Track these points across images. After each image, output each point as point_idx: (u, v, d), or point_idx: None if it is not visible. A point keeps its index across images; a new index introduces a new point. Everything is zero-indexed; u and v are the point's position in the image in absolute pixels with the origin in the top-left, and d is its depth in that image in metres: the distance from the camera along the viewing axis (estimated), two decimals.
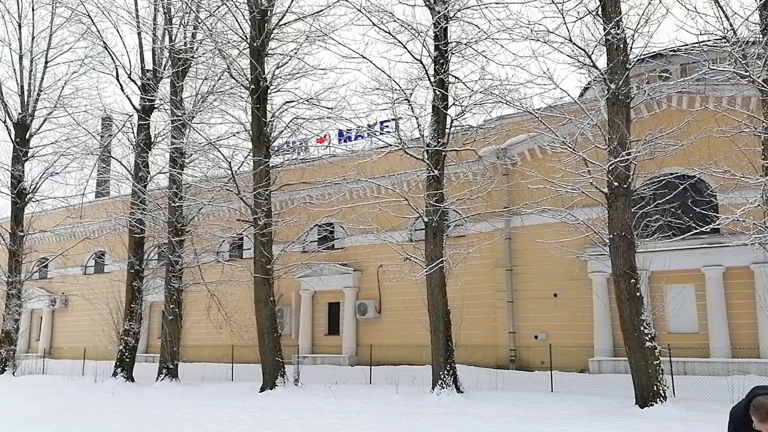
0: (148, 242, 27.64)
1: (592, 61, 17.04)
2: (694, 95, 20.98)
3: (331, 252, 30.75)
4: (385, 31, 18.97)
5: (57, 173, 30.24)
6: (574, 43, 16.47)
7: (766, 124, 14.41)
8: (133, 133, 27.19)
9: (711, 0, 15.03)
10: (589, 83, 22.32)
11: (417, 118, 19.28)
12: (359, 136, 27.70)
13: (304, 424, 13.18)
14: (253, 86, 21.87)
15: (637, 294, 15.76)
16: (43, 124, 30.99)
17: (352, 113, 35.15)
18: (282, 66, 22.28)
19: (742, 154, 15.29)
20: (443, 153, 19.25)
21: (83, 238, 36.52)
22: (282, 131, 22.62)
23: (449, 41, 19.27)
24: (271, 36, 22.16)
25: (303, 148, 27.50)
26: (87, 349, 32.80)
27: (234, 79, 22.86)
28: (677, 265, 21.51)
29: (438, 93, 18.94)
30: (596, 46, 16.58)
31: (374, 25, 18.86)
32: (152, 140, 26.82)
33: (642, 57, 17.97)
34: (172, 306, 24.99)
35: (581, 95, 25.39)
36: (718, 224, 17.03)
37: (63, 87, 30.16)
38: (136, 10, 26.61)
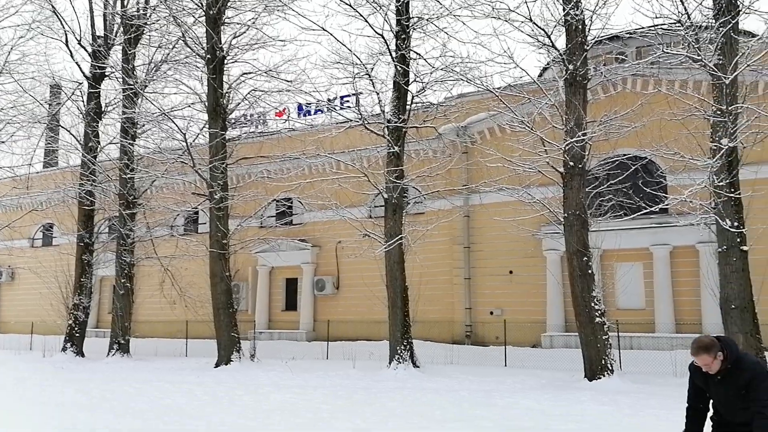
0: (98, 215, 26.94)
1: (551, 41, 17.18)
2: (648, 78, 21.43)
3: (289, 228, 30.55)
4: (346, 3, 18.72)
5: (2, 142, 28.98)
6: (534, 23, 16.57)
7: (716, 107, 14.81)
8: (82, 101, 26.30)
9: None
10: (548, 63, 22.50)
11: (378, 94, 19.18)
12: (319, 110, 27.40)
13: (260, 399, 13.16)
14: (209, 56, 21.34)
15: (589, 271, 16.16)
16: None
17: (312, 87, 34.80)
18: (239, 36, 21.81)
19: (691, 136, 15.70)
20: (404, 129, 19.22)
21: (30, 209, 35.22)
22: (239, 103, 22.22)
23: (411, 16, 19.14)
24: (228, 4, 21.60)
25: (261, 121, 27.06)
26: (35, 324, 31.91)
27: (189, 48, 22.25)
28: (627, 244, 22.14)
29: (399, 69, 18.84)
30: (555, 26, 16.71)
31: None
32: (103, 109, 26.00)
33: (600, 39, 18.21)
34: (123, 280, 24.50)
35: (540, 75, 25.61)
36: (666, 205, 17.52)
37: (9, 52, 28.78)
38: None
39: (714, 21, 15.15)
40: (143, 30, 24.57)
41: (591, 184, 17.80)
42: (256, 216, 26.46)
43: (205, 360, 21.81)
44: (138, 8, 24.70)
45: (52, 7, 25.67)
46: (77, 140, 26.31)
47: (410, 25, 19.04)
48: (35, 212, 35.28)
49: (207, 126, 22.11)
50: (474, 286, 25.91)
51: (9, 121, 28.34)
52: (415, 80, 19.26)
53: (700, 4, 15.42)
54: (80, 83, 26.52)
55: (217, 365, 20.61)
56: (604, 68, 18.81)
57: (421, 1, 19.26)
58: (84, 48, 25.70)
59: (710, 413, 4.98)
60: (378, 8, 18.83)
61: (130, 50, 24.51)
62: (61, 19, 25.70)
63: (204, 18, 21.49)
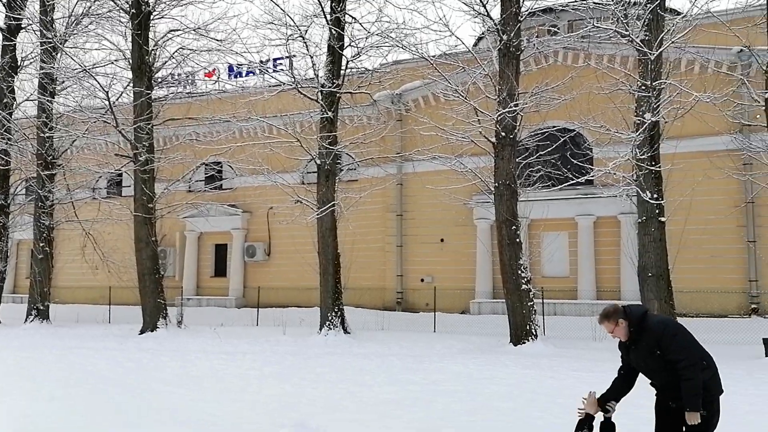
0: (14, 175, 25.47)
1: (486, 11, 17.25)
2: (579, 52, 21.90)
3: (219, 192, 29.85)
4: None
5: None
6: None
7: (641, 83, 15.31)
8: None
9: None
10: (483, 33, 22.63)
11: (312, 57, 18.81)
12: (250, 72, 26.62)
13: (186, 366, 12.93)
14: (133, 10, 20.31)
15: (517, 240, 16.58)
16: None
17: (243, 47, 33.68)
18: None
19: (617, 110, 16.21)
20: (338, 95, 18.96)
21: None
22: (166, 62, 21.32)
23: None
24: None
25: (189, 81, 26.03)
26: None
27: (112, 1, 21.06)
28: (554, 214, 22.82)
29: (334, 32, 18.48)
30: None
31: None
32: (19, 64, 24.44)
33: (533, 11, 18.41)
34: (42, 244, 23.39)
35: (475, 45, 25.73)
36: (591, 176, 18.16)
37: None
38: None
39: None
40: None
41: (521, 154, 18.16)
42: (184, 180, 25.64)
43: (129, 327, 21.24)
44: None
45: None
46: None
47: None
48: None
49: (131, 84, 21.21)
50: (406, 254, 26.17)
51: None
52: (350, 45, 18.95)
53: None
54: None
55: (142, 332, 20.11)
56: (537, 40, 19.05)
57: None
58: None
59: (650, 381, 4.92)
60: None
61: (48, 1, 23.00)
62: None
63: None
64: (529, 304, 16.36)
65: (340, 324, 18.55)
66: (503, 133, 16.57)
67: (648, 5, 15.05)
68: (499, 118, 16.48)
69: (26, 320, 23.13)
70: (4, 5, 23.90)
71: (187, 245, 30.32)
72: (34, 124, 23.93)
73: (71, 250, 25.87)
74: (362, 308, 24.36)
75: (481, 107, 17.39)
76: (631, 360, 4.78)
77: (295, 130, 21.48)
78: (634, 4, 15.79)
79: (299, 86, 18.86)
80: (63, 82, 23.30)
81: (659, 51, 15.05)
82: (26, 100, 24.59)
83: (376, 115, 25.54)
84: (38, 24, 23.13)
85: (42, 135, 22.89)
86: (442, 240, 25.49)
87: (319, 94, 18.81)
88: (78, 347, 16.24)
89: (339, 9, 18.55)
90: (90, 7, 22.48)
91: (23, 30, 24.57)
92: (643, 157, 15.09)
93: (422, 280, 25.62)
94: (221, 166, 29.55)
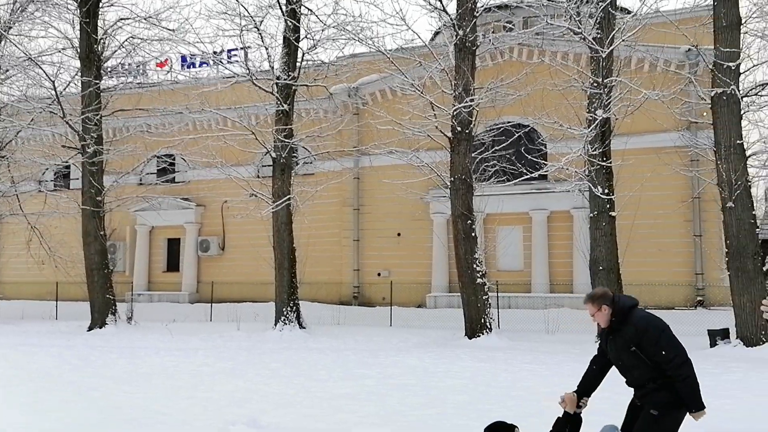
0: None
1: (442, 5, 17.30)
2: (533, 48, 22.17)
3: (172, 185, 29.20)
4: None
5: None
6: None
7: (593, 80, 15.59)
8: None
9: None
10: (439, 28, 22.68)
11: (267, 49, 18.53)
12: (204, 63, 26.06)
13: (136, 363, 12.60)
14: None
15: (473, 234, 16.72)
16: None
17: (197, 38, 32.94)
18: None
19: (570, 106, 16.48)
20: (293, 87, 18.75)
21: None
22: (115, 51, 20.76)
23: None
24: None
25: (140, 71, 25.34)
26: None
27: None
28: (509, 208, 23.08)
29: (289, 24, 18.25)
30: None
31: None
32: None
33: (489, 6, 18.54)
34: None
35: (432, 39, 25.77)
36: (545, 171, 18.45)
37: None
38: None
39: None
40: None
41: (477, 149, 18.29)
42: (134, 172, 24.97)
43: (77, 323, 20.64)
44: None
45: None
46: None
47: None
48: None
49: (79, 74, 20.54)
50: (362, 248, 26.12)
51: None
52: (306, 37, 18.77)
53: None
54: None
55: (90, 328, 19.58)
56: (493, 36, 19.20)
57: None
58: None
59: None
60: None
61: None
62: None
63: None
64: (483, 297, 16.52)
65: (296, 319, 18.40)
66: (459, 128, 16.66)
67: (600, 4, 15.32)
68: (455, 113, 16.56)
69: None
70: None
71: (138, 239, 29.60)
72: None
73: (16, 244, 24.98)
74: (318, 303, 24.24)
75: (438, 102, 17.44)
76: (608, 351, 4.61)
77: (250, 122, 21.17)
78: (587, 2, 16.05)
79: (254, 78, 18.56)
80: (7, 70, 22.38)
81: (610, 49, 15.34)
82: None
83: (333, 109, 25.37)
84: None
85: None
86: (398, 234, 25.53)
87: (275, 86, 18.55)
88: (22, 344, 15.66)
89: (294, 0, 18.31)
90: None
91: None
92: (594, 153, 15.38)
93: (379, 275, 25.61)
94: (174, 159, 28.91)
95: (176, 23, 22.74)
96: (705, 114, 17.32)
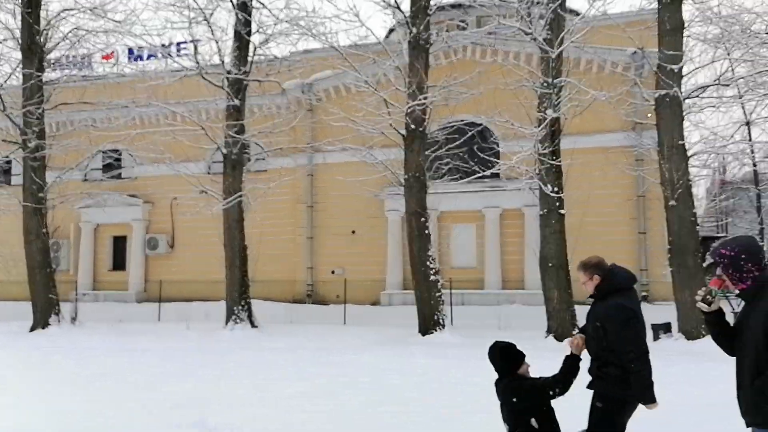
0: None
1: (396, 3, 17.30)
2: (486, 48, 22.39)
3: (118, 182, 28.38)
4: None
5: None
6: None
7: (543, 80, 15.84)
8: None
9: None
10: (393, 25, 22.72)
11: (217, 42, 18.24)
12: (152, 56, 25.34)
13: (81, 365, 12.17)
14: None
15: (426, 232, 16.79)
16: None
17: (144, 30, 32.29)
18: None
19: (521, 106, 16.71)
20: (245, 82, 18.47)
21: None
22: (59, 43, 20.06)
23: None
24: None
25: (85, 64, 24.50)
26: None
27: None
28: (462, 206, 23.29)
29: (240, 17, 17.96)
30: None
31: None
32: None
33: (442, 5, 18.69)
34: None
35: (387, 37, 25.78)
36: (498, 169, 18.66)
37: None
38: None
39: None
40: None
41: (431, 147, 18.38)
42: (78, 168, 24.19)
43: (18, 324, 19.88)
44: None
45: None
46: None
47: None
48: None
49: (20, 66, 19.79)
50: (316, 246, 25.94)
51: None
52: (258, 31, 18.53)
53: None
54: None
55: (32, 329, 18.95)
56: (446, 34, 19.31)
57: None
58: None
59: None
60: None
61: None
62: None
63: None
64: (437, 294, 16.61)
65: (247, 318, 18.15)
66: (413, 126, 16.69)
67: (549, 5, 15.59)
68: (408, 110, 16.58)
69: None
70: None
71: (83, 237, 28.68)
72: None
73: None
74: (271, 301, 23.94)
75: (392, 99, 17.45)
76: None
77: (200, 117, 20.82)
78: (537, 3, 16.30)
79: (204, 72, 18.22)
80: None
81: (560, 50, 15.63)
82: None
83: (286, 105, 25.11)
84: None
85: None
86: (353, 232, 25.43)
87: (225, 80, 18.23)
88: None
89: None
90: None
91: None
92: (544, 151, 15.64)
93: (333, 272, 25.47)
94: (120, 154, 28.12)
95: (123, 14, 22.09)
96: (649, 115, 17.82)
